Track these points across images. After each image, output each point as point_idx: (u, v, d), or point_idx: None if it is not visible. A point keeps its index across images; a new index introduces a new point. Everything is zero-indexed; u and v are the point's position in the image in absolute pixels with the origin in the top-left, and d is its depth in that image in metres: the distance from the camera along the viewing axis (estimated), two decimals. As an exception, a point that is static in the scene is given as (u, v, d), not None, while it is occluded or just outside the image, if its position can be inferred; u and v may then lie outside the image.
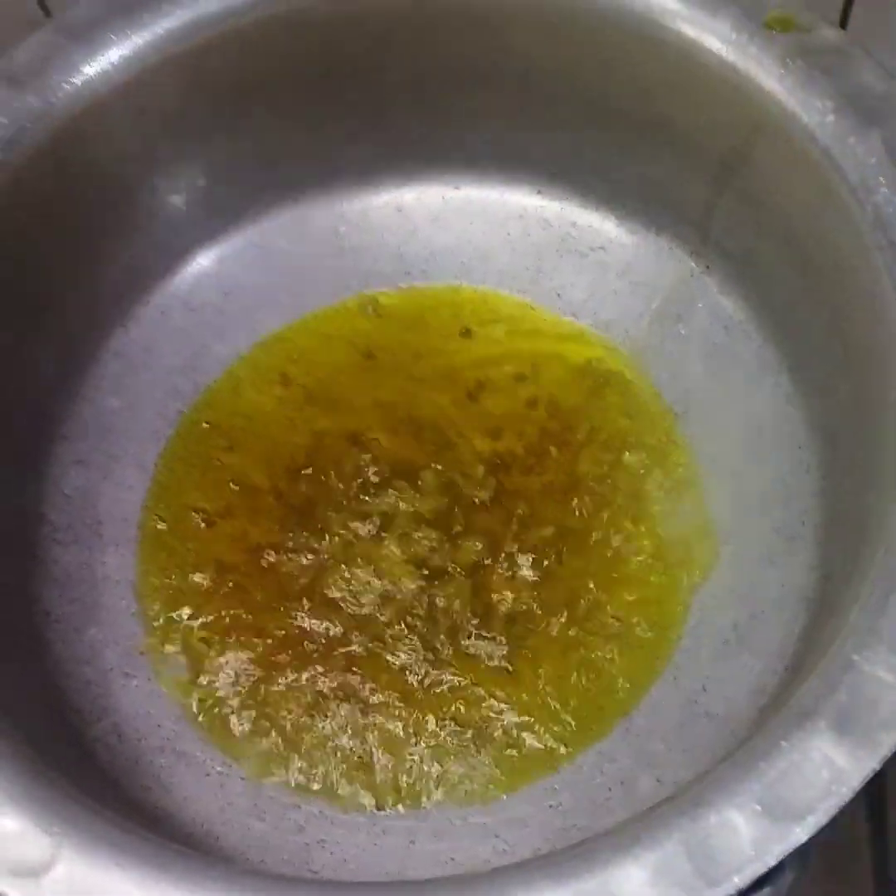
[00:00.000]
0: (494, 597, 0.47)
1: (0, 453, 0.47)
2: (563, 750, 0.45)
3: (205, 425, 0.52)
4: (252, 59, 0.48)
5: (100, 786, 0.43)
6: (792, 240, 0.46)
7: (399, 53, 0.50)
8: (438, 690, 0.46)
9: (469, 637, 0.47)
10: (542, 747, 0.45)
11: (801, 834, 0.30)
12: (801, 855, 0.31)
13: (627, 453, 0.50)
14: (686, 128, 0.47)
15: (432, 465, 0.50)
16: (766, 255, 0.48)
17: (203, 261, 0.54)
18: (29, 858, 0.32)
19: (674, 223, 0.52)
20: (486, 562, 0.48)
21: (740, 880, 0.30)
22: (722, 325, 0.51)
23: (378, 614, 0.47)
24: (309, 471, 0.51)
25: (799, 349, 0.48)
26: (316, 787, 0.45)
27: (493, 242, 0.55)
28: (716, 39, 0.43)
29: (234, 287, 0.54)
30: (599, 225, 0.54)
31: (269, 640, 0.47)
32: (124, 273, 0.51)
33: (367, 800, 0.44)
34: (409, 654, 0.46)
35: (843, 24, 0.52)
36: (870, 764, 0.31)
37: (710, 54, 0.44)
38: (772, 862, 0.30)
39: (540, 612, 0.47)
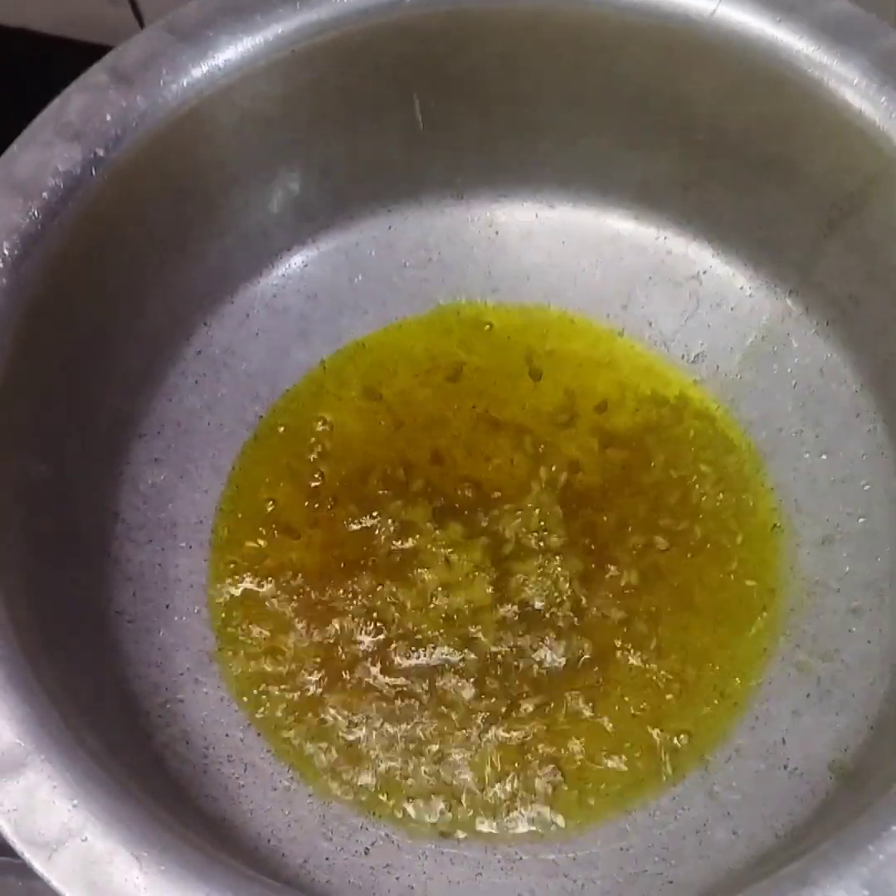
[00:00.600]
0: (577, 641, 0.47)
1: (79, 449, 0.46)
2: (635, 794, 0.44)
3: (282, 430, 0.52)
4: (359, 68, 0.47)
5: (167, 792, 0.42)
6: (898, 291, 0.45)
7: (510, 70, 0.49)
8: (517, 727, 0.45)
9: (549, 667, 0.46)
10: (618, 789, 0.44)
11: (908, 921, 0.30)
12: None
13: (710, 494, 0.49)
14: (801, 168, 0.46)
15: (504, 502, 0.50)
16: (870, 303, 0.47)
17: (290, 264, 0.53)
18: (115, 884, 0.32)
19: (775, 261, 0.51)
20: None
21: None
22: (818, 367, 0.50)
23: (458, 650, 0.47)
24: (385, 491, 0.50)
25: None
26: (384, 810, 0.44)
27: (584, 265, 0.54)
28: (843, 84, 0.42)
29: (319, 292, 0.54)
30: (696, 255, 0.53)
31: (341, 655, 0.47)
32: (211, 273, 0.51)
33: (436, 827, 0.44)
34: (492, 684, 0.46)
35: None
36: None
37: (835, 96, 0.43)
38: (877, 949, 0.29)
39: (622, 653, 0.46)
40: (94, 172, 0.42)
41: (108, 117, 0.42)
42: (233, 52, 0.44)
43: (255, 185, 0.50)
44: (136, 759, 0.42)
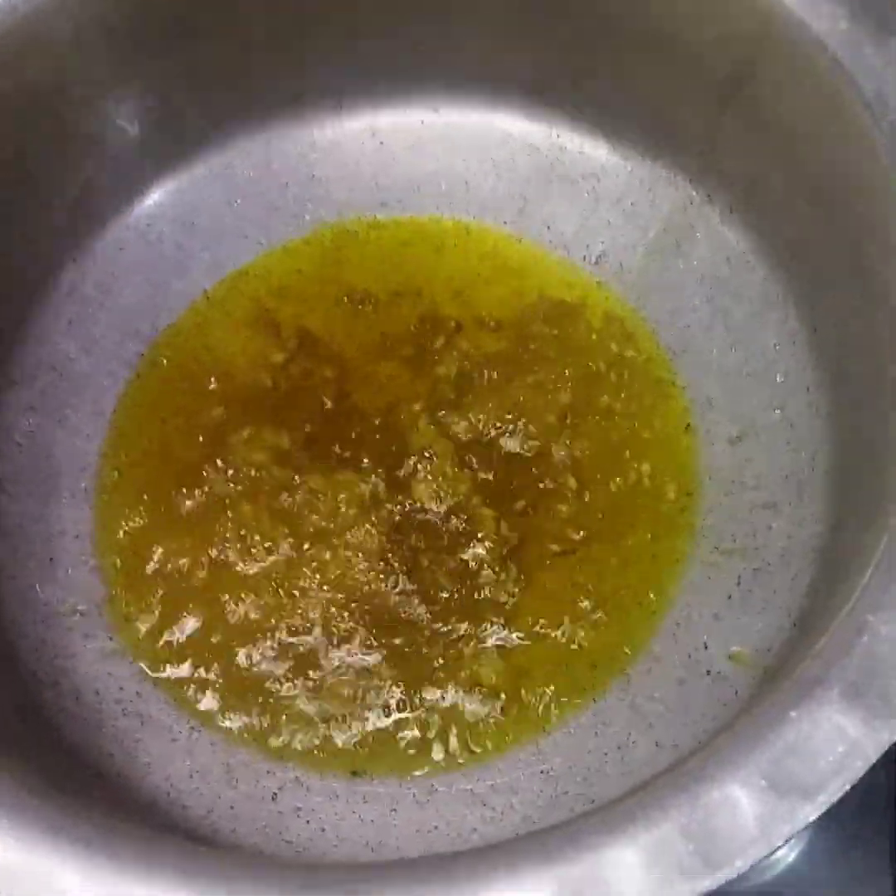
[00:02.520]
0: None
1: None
2: (554, 710, 0.42)
3: (165, 365, 0.49)
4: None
5: (56, 754, 0.40)
6: (801, 164, 0.42)
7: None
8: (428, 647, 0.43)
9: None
10: (533, 707, 0.42)
11: (810, 812, 0.27)
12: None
13: (621, 395, 0.47)
14: (686, 43, 0.43)
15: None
16: (773, 181, 0.44)
17: (162, 191, 0.50)
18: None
19: (672, 148, 0.48)
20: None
21: (743, 863, 0.27)
22: (724, 256, 0.47)
23: (362, 556, 0.44)
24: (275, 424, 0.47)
25: (807, 282, 0.45)
26: (290, 751, 0.42)
27: (475, 170, 0.51)
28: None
29: (196, 219, 0.51)
30: (591, 151, 0.50)
31: (238, 593, 0.44)
32: (74, 204, 0.48)
33: (346, 766, 0.41)
34: (401, 595, 0.43)
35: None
36: (886, 734, 0.28)
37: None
38: (779, 843, 0.27)
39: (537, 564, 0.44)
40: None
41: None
42: (62, -46, 0.41)
43: (108, 103, 0.46)
44: (22, 721, 0.40)
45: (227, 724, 0.42)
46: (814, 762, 0.28)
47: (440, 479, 0.45)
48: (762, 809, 0.27)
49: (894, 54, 0.37)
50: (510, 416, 0.47)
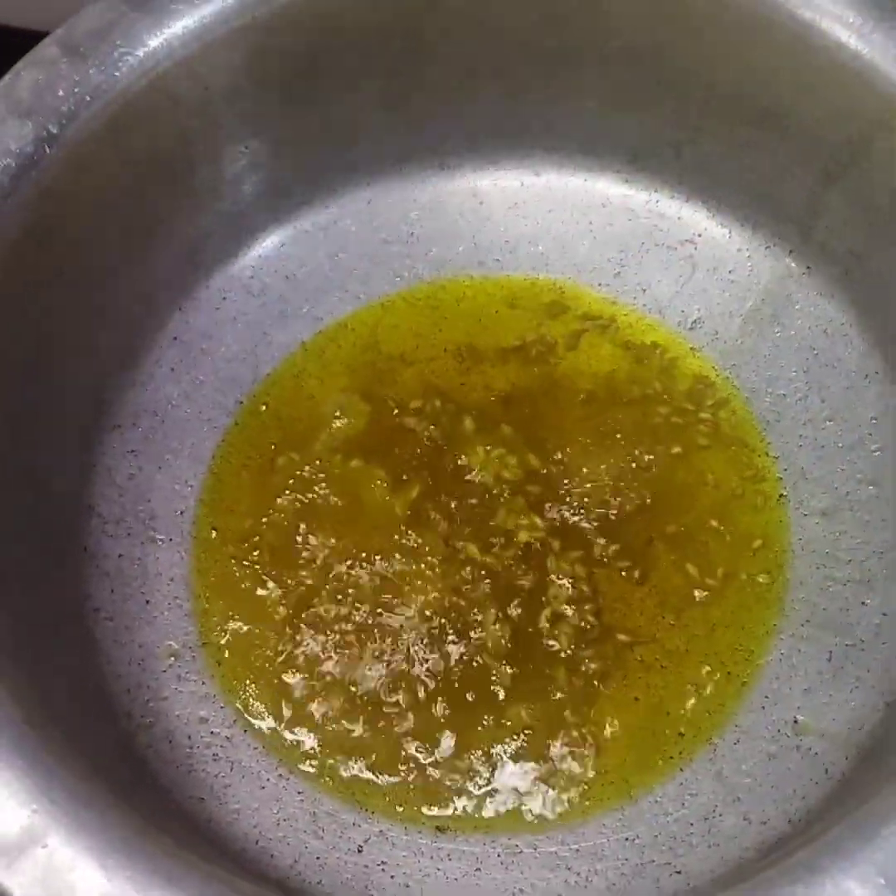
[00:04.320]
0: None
1: (51, 441, 0.45)
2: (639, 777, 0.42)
3: (263, 413, 0.50)
4: (325, 32, 0.45)
5: (150, 796, 0.40)
6: (905, 243, 0.43)
7: (486, 28, 0.47)
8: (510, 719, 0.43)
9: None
10: (622, 778, 0.42)
11: (927, 910, 0.27)
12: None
13: (713, 466, 0.47)
14: (797, 117, 0.44)
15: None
16: (877, 258, 0.45)
17: (267, 244, 0.51)
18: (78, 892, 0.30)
19: (773, 219, 0.49)
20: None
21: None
22: (822, 328, 0.48)
23: (441, 635, 0.45)
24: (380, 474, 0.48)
25: (905, 359, 0.45)
26: (377, 804, 0.42)
27: (573, 232, 0.52)
28: (836, 23, 0.40)
29: (298, 272, 0.52)
30: (689, 217, 0.51)
31: (335, 641, 0.45)
32: (183, 256, 0.49)
33: (431, 821, 0.42)
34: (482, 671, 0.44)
35: None
36: None
37: (828, 39, 0.40)
38: (895, 941, 0.27)
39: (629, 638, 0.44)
40: (47, 150, 0.40)
41: (60, 92, 0.41)
42: (191, 20, 0.43)
43: (224, 161, 0.48)
44: (117, 763, 0.40)
45: (315, 772, 0.43)
46: (931, 859, 0.28)
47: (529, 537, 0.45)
48: (878, 905, 0.27)
49: None
50: (594, 485, 0.47)
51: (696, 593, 0.45)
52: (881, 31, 0.39)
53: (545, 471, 0.47)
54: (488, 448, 0.48)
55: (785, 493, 0.46)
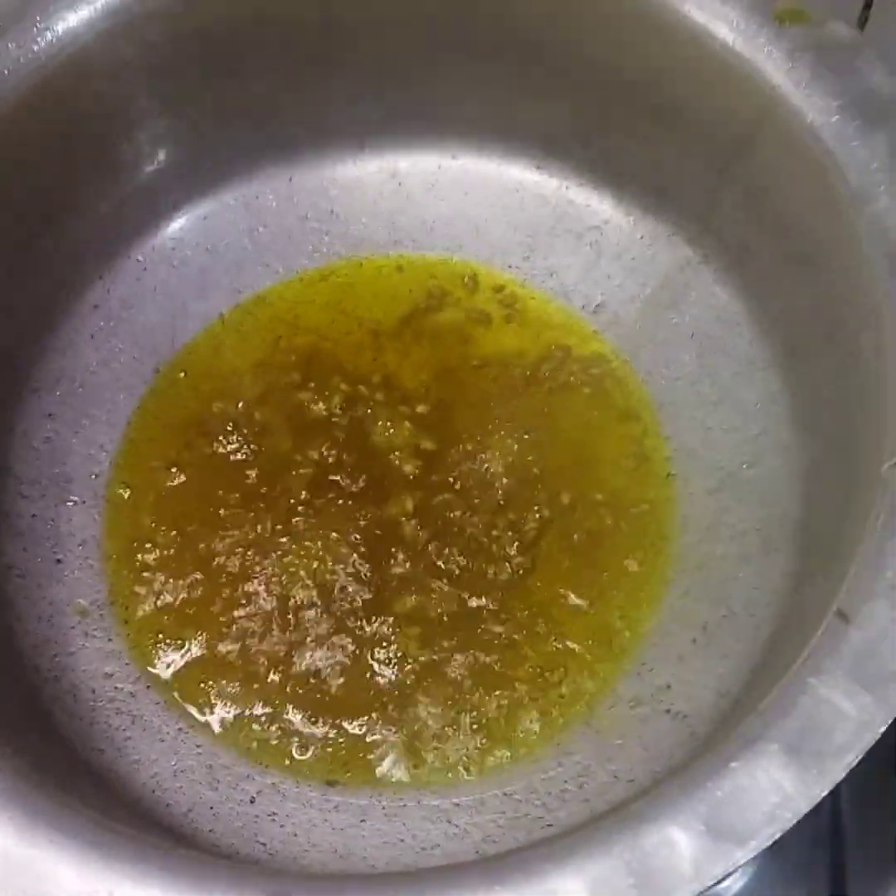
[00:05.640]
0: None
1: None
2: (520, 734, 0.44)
3: (180, 382, 0.51)
4: (244, 10, 0.47)
5: (53, 748, 0.42)
6: (791, 236, 0.45)
7: (404, 15, 0.48)
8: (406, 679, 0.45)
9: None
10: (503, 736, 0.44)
11: (741, 856, 0.30)
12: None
13: (604, 442, 0.49)
14: (692, 113, 0.46)
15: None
16: (764, 250, 0.47)
17: (187, 217, 0.53)
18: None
19: (674, 209, 0.50)
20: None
21: (678, 899, 0.29)
22: (715, 315, 0.50)
23: (338, 581, 0.47)
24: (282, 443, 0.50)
25: (790, 347, 0.47)
26: (271, 759, 0.44)
27: (487, 215, 0.54)
28: (725, 26, 0.42)
29: (219, 245, 0.53)
30: (597, 205, 0.53)
31: (238, 604, 0.47)
32: (105, 226, 0.50)
33: (322, 776, 0.44)
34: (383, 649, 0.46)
35: (862, 25, 0.50)
36: (818, 790, 0.30)
37: (718, 41, 0.42)
38: (710, 883, 0.29)
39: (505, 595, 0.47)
40: (-37, 121, 0.41)
41: (-21, 66, 0.42)
42: (109, -4, 0.44)
43: (144, 135, 0.49)
44: (21, 714, 0.42)
45: (213, 726, 0.45)
46: (749, 811, 0.30)
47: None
48: (698, 852, 0.30)
49: (878, 149, 0.39)
50: (493, 449, 0.49)
51: (583, 563, 0.47)
52: (764, 35, 0.41)
53: (444, 443, 0.49)
54: (389, 423, 0.50)
55: (673, 472, 0.49)
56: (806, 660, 0.33)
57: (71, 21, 0.43)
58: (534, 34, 0.48)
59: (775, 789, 0.30)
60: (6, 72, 0.42)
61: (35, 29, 0.43)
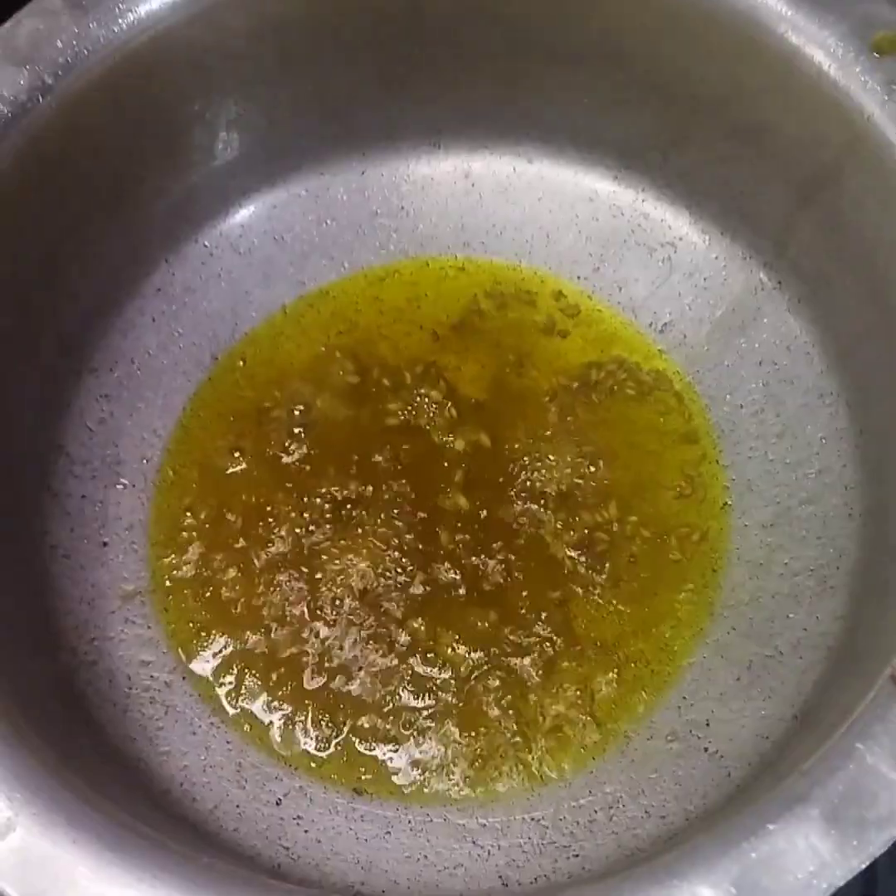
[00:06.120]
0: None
1: (24, 377, 0.46)
2: (552, 761, 0.44)
3: (238, 371, 0.51)
4: (328, 2, 0.46)
5: (82, 731, 0.42)
6: (871, 270, 0.43)
7: (491, 16, 0.47)
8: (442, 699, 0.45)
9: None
10: (537, 760, 0.44)
11: (770, 923, 0.29)
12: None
13: (660, 464, 0.48)
14: (778, 136, 0.45)
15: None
16: (842, 281, 0.45)
17: (257, 205, 0.52)
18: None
19: (751, 232, 0.49)
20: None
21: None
22: (786, 344, 0.48)
23: (382, 586, 0.46)
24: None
25: (861, 383, 0.46)
26: (301, 761, 0.44)
27: (559, 223, 0.53)
28: (820, 51, 0.40)
29: (286, 235, 0.53)
30: (672, 221, 0.51)
31: (279, 602, 0.46)
32: (174, 209, 0.50)
33: (351, 783, 0.44)
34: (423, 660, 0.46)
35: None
36: (856, 862, 0.29)
37: (812, 66, 0.41)
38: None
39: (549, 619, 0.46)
40: (41, 100, 0.41)
41: (59, 44, 0.41)
42: (195, -19, 0.43)
43: (220, 121, 0.48)
44: (56, 696, 0.42)
45: (244, 724, 0.45)
46: (783, 877, 0.29)
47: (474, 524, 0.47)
48: (726, 913, 0.29)
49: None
50: (547, 467, 0.48)
51: (629, 588, 0.46)
52: (860, 64, 0.40)
53: (499, 452, 0.49)
54: (444, 427, 0.49)
55: (730, 502, 0.48)
56: (854, 722, 0.32)
57: (153, 3, 0.43)
58: (621, 42, 0.47)
59: (813, 856, 0.29)
60: (87, 51, 0.42)
61: (118, 9, 0.42)
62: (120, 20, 0.42)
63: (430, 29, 0.48)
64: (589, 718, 0.44)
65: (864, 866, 0.29)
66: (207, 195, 0.51)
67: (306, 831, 0.42)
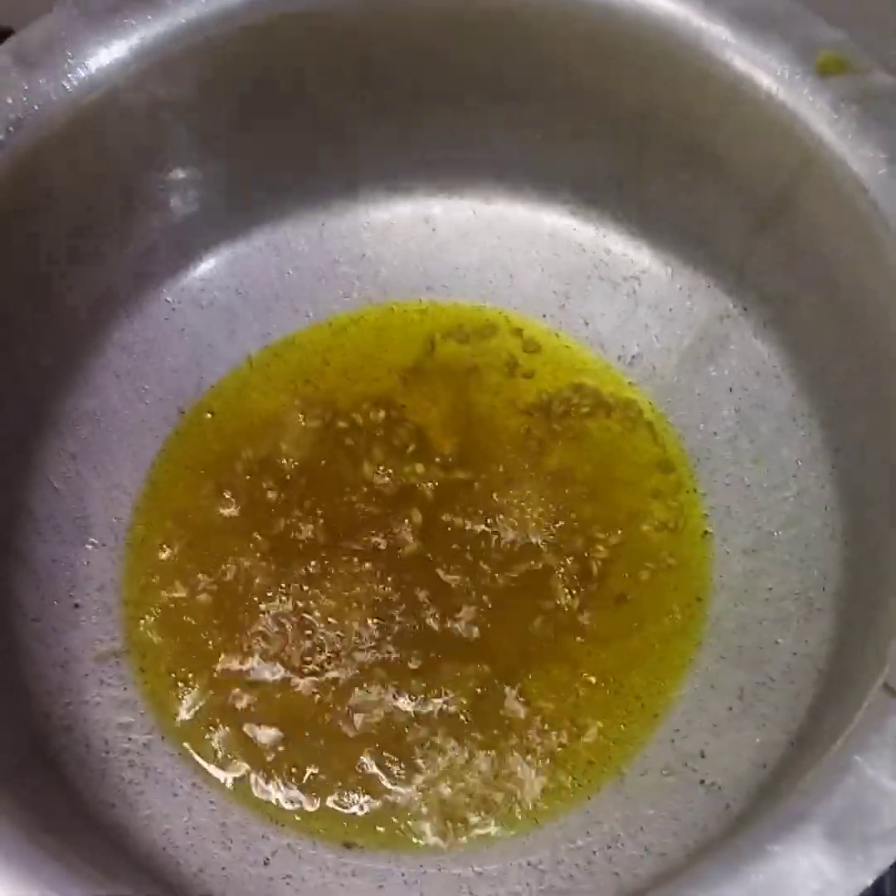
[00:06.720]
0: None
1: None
2: (546, 803, 0.42)
3: (205, 424, 0.50)
4: (281, 56, 0.46)
5: (59, 799, 0.41)
6: (833, 290, 0.43)
7: (437, 61, 0.47)
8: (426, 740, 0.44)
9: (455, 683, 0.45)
10: (528, 801, 0.42)
11: (780, 948, 0.28)
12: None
13: (636, 496, 0.48)
14: (731, 163, 0.45)
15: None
16: (806, 302, 0.45)
17: (217, 258, 0.52)
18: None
19: (712, 260, 0.49)
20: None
21: None
22: (755, 370, 0.48)
23: (363, 632, 0.45)
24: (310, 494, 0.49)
25: (832, 403, 0.46)
26: (287, 818, 0.43)
27: (521, 262, 0.53)
28: (767, 75, 0.41)
29: (248, 287, 0.52)
30: (634, 254, 0.52)
31: (260, 655, 0.45)
32: (134, 264, 0.49)
33: (339, 837, 0.42)
34: (392, 689, 0.44)
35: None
36: (863, 878, 0.28)
37: (760, 90, 0.41)
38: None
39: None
40: (-7, 156, 0.41)
41: (9, 100, 0.41)
42: (144, 35, 0.43)
43: (177, 175, 0.48)
44: (28, 764, 0.41)
45: (228, 782, 0.43)
46: (789, 898, 0.28)
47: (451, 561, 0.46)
48: (733, 940, 0.28)
49: (929, 203, 0.38)
50: (524, 504, 0.48)
51: (612, 621, 0.45)
52: (808, 85, 0.40)
53: (471, 489, 0.48)
54: (417, 468, 0.48)
55: (710, 530, 0.47)
56: (850, 736, 0.31)
57: (103, 58, 0.43)
58: (567, 77, 0.47)
59: (817, 875, 0.29)
60: (36, 107, 0.42)
61: (67, 64, 0.42)
62: (70, 75, 0.42)
63: (378, 77, 0.48)
64: (580, 756, 0.43)
65: (870, 882, 0.28)
66: (167, 250, 0.50)
67: (297, 890, 0.41)
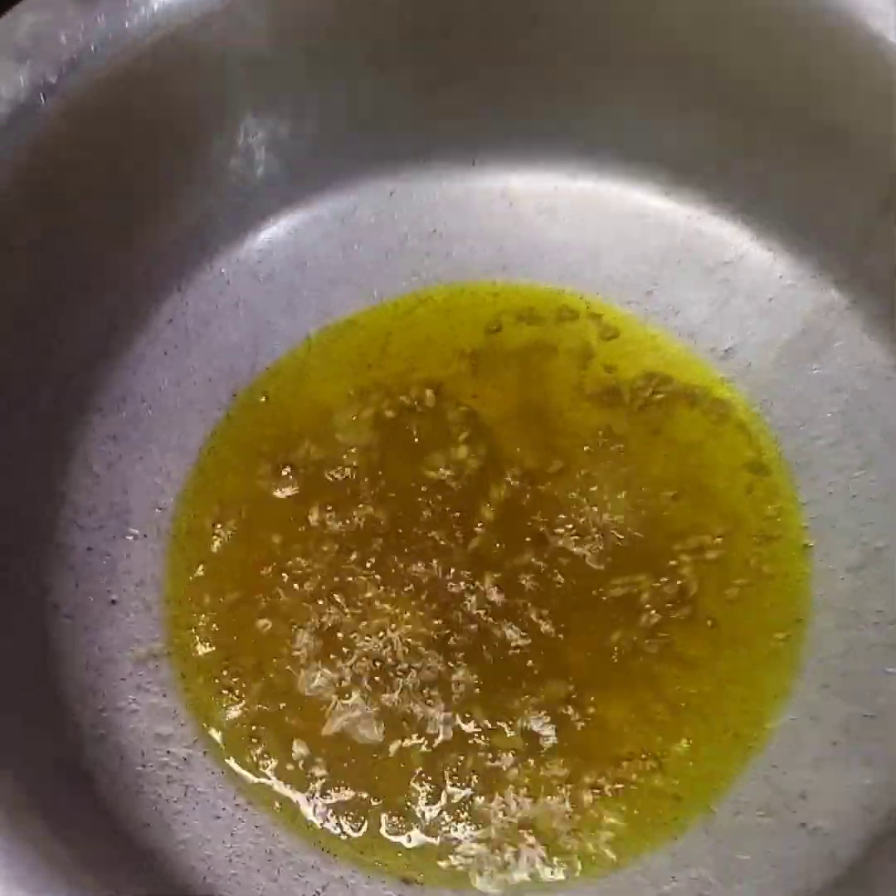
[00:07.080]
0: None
1: (22, 418, 0.41)
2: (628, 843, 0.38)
3: (259, 408, 0.46)
4: (359, 4, 0.42)
5: (89, 817, 0.37)
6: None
7: (528, 17, 0.43)
8: (493, 767, 0.40)
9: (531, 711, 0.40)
10: (607, 840, 0.38)
11: None
12: None
13: (729, 505, 0.44)
14: (856, 137, 0.41)
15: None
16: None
17: (278, 228, 0.48)
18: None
19: (821, 247, 0.45)
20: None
21: None
22: (863, 369, 0.44)
23: (422, 644, 0.41)
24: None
25: (951, 409, 0.41)
26: (340, 848, 0.38)
27: (606, 244, 0.49)
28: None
29: (309, 261, 0.49)
30: (732, 238, 0.47)
31: (311, 662, 0.41)
32: (188, 233, 0.46)
33: (397, 871, 0.38)
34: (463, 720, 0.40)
35: None
36: None
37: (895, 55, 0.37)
38: None
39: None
40: (43, 100, 0.37)
41: (63, 39, 0.37)
42: (212, -27, 0.39)
43: (239, 133, 0.45)
44: (56, 778, 0.37)
45: (275, 804, 0.39)
46: None
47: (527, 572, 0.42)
48: None
49: None
50: (601, 509, 0.44)
51: (701, 643, 0.41)
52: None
53: (540, 493, 0.44)
54: (482, 463, 0.44)
55: (810, 544, 0.43)
56: None
57: (168, -1, 0.39)
58: (682, 43, 0.43)
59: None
60: (93, 47, 0.38)
61: (129, 1, 0.38)
62: (131, 14, 0.38)
63: (465, 31, 0.44)
64: (664, 791, 0.39)
65: None
66: (224, 217, 0.47)
67: (350, 929, 0.37)
